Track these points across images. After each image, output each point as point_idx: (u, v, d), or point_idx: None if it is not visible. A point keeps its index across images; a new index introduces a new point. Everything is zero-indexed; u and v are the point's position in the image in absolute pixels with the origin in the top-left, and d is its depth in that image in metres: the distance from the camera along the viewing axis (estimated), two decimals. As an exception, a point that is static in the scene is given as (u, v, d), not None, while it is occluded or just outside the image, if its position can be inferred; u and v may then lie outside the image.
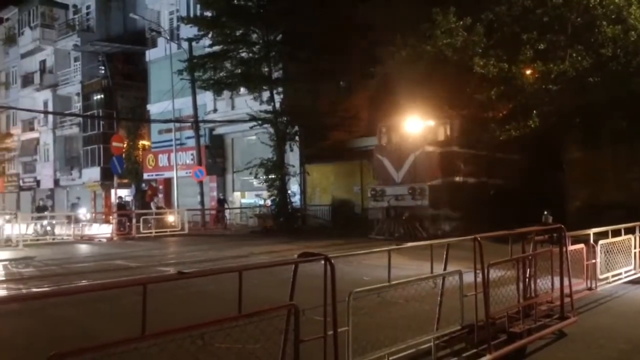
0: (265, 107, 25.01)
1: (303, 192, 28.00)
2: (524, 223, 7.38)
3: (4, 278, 12.79)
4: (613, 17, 16.30)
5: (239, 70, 25.57)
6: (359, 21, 24.26)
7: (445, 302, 5.62)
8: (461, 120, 20.35)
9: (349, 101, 27.03)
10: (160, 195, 34.28)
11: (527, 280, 6.66)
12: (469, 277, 5.75)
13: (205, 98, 30.94)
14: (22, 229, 22.49)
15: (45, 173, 44.58)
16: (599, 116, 17.35)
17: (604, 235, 9.67)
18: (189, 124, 31.62)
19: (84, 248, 21.01)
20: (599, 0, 16.32)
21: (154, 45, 36.31)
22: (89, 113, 39.83)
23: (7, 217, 24.26)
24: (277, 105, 25.18)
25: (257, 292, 5.95)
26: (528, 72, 17.22)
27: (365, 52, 23.85)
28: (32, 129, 47.27)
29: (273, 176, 25.05)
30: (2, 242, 21.30)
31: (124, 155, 29.88)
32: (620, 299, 9.04)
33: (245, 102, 26.40)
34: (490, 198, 20.29)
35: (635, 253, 10.37)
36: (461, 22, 17.45)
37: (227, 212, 30.74)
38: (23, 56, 46.26)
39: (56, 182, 43.69)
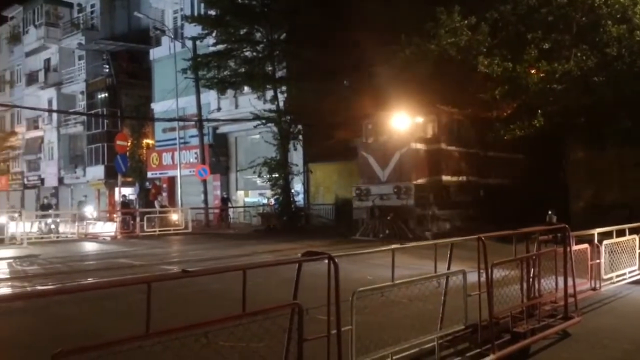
0: (269, 106, 25.05)
1: (306, 191, 28.02)
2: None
3: (8, 276, 12.84)
4: (618, 16, 16.25)
5: (243, 69, 25.59)
6: (363, 20, 24.23)
7: (448, 301, 5.62)
8: (449, 117, 19.83)
9: (353, 100, 27.00)
10: (164, 194, 34.32)
11: (531, 280, 6.65)
12: (472, 277, 5.74)
13: (209, 97, 31.00)
14: (26, 227, 22.53)
15: (50, 171, 44.72)
16: (603, 116, 17.29)
17: (608, 235, 9.65)
18: (193, 123, 31.65)
19: (88, 246, 21.06)
20: (603, 0, 16.27)
21: (158, 43, 36.36)
22: (93, 111, 39.97)
23: (12, 215, 24.33)
24: (281, 104, 25.20)
25: (261, 290, 5.95)
26: (532, 71, 17.17)
27: (370, 51, 23.83)
28: (36, 127, 47.42)
29: (276, 175, 25.08)
30: (7, 240, 21.38)
31: (128, 153, 29.92)
32: (624, 299, 9.02)
33: (249, 101, 26.41)
34: (480, 198, 20.03)
35: (639, 253, 10.34)
36: (465, 22, 17.41)
37: (230, 211, 30.78)
38: (28, 54, 46.39)
39: (60, 180, 43.81)
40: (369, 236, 18.60)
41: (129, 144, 32.42)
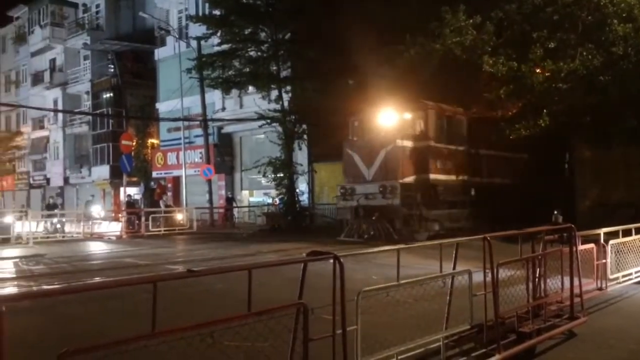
0: (273, 105, 25.05)
1: (311, 190, 28.01)
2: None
3: (14, 275, 12.88)
4: (624, 15, 16.17)
5: (248, 69, 25.61)
6: (368, 20, 24.20)
7: (454, 301, 5.60)
8: (438, 113, 18.96)
9: (358, 100, 26.96)
10: (169, 194, 34.39)
11: (536, 280, 6.63)
12: (478, 277, 5.73)
13: (214, 97, 31.04)
14: (32, 226, 22.65)
15: (55, 171, 44.89)
16: (609, 115, 17.22)
17: (614, 235, 9.61)
18: (198, 123, 31.71)
19: (93, 246, 21.11)
20: (609, -1, 16.21)
21: (163, 43, 36.43)
22: (98, 111, 40.09)
23: (18, 214, 24.43)
24: (286, 103, 25.21)
25: (266, 290, 5.96)
26: (538, 70, 17.10)
27: (374, 51, 23.79)
28: (42, 127, 47.62)
29: (281, 175, 25.08)
30: (13, 240, 21.48)
31: (133, 153, 29.99)
32: (630, 299, 8.98)
33: (254, 101, 26.43)
34: (472, 198, 19.43)
35: (645, 253, 10.29)
36: (470, 21, 17.36)
37: (235, 210, 30.82)
38: (33, 55, 46.58)
39: (66, 180, 43.98)
40: (354, 237, 17.94)
41: (134, 143, 32.50)
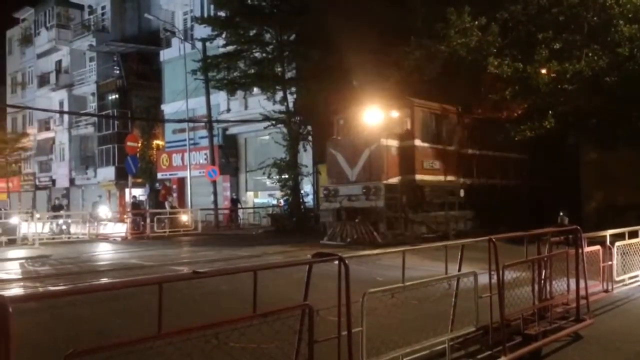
0: (278, 107, 25.08)
1: (316, 192, 27.99)
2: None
3: (20, 276, 12.94)
4: (630, 16, 16.11)
5: (253, 70, 25.65)
6: (373, 21, 24.19)
7: (459, 303, 5.59)
8: (425, 111, 18.22)
9: (362, 101, 26.95)
10: (174, 195, 34.48)
11: (542, 281, 6.61)
12: (483, 279, 5.72)
13: (219, 98, 31.09)
14: (38, 227, 22.75)
15: (61, 172, 45.06)
16: (615, 116, 17.15)
17: (620, 236, 9.57)
18: (203, 124, 31.78)
19: (98, 247, 21.17)
20: (615, 0, 16.15)
21: (168, 45, 36.56)
22: (103, 113, 40.23)
23: (24, 216, 24.53)
24: (290, 105, 25.22)
25: (271, 291, 5.95)
26: (543, 71, 17.06)
27: (379, 52, 23.77)
28: (47, 129, 47.82)
29: (286, 176, 25.11)
30: (19, 241, 21.59)
31: (138, 154, 30.07)
32: (636, 301, 8.93)
33: (259, 102, 26.46)
34: (460, 200, 18.82)
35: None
36: (476, 22, 17.32)
37: (240, 211, 30.86)
38: (39, 56, 46.80)
39: (71, 181, 44.13)
40: (337, 240, 17.18)
41: (139, 145, 32.56)
